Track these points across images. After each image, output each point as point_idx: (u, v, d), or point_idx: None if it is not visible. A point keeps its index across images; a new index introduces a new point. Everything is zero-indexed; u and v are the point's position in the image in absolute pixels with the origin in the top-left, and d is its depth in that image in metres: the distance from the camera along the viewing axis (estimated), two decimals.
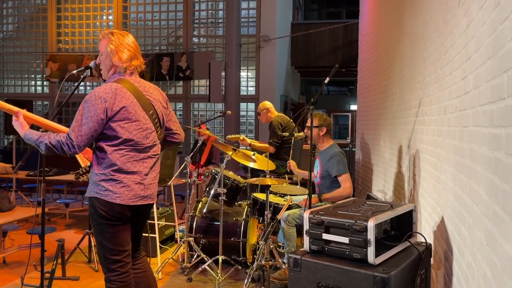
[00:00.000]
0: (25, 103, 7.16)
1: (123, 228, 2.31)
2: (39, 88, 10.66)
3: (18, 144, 7.84)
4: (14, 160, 6.77)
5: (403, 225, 2.23)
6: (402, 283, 1.88)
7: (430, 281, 2.24)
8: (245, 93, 9.70)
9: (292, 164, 4.05)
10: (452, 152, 2.09)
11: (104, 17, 10.15)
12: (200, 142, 4.30)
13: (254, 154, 3.81)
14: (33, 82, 10.68)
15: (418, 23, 3.09)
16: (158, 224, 4.27)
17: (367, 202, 2.36)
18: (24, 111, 2.38)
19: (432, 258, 2.29)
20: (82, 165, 2.93)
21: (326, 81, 3.12)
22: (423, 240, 2.19)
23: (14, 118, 2.35)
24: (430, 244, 2.22)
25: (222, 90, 8.38)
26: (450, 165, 2.14)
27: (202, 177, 5.16)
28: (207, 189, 4.06)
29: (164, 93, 2.55)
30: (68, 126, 2.27)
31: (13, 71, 10.67)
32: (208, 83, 8.43)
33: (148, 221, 3.09)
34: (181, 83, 9.93)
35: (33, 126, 2.41)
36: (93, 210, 2.28)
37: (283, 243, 3.72)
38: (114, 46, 2.32)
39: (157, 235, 4.09)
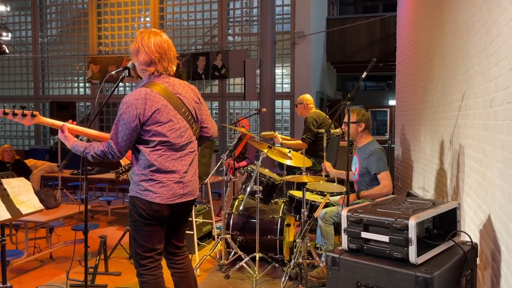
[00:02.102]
0: (68, 104, 7.45)
1: (158, 229, 2.36)
2: (81, 90, 11.06)
3: (63, 144, 8.16)
4: (59, 159, 7.04)
5: (447, 224, 2.15)
6: (446, 284, 1.81)
7: (476, 282, 2.14)
8: (280, 90, 9.66)
9: (327, 165, 3.99)
10: (500, 147, 1.99)
11: (142, 19, 10.39)
12: (236, 140, 4.31)
13: (290, 152, 3.78)
14: (76, 84, 11.09)
15: (460, 13, 2.96)
16: (196, 221, 4.33)
17: (407, 200, 2.29)
18: (68, 124, 2.44)
19: (478, 258, 2.20)
20: (122, 164, 3.01)
21: (363, 75, 3.05)
22: (468, 239, 2.10)
23: (59, 132, 2.43)
24: (476, 244, 2.13)
25: (257, 88, 8.38)
26: (497, 161, 2.04)
27: (238, 174, 5.18)
28: (243, 186, 4.07)
29: (195, 88, 2.51)
30: (109, 126, 2.33)
31: (57, 74, 11.12)
32: (243, 81, 8.46)
33: None
34: (216, 82, 10.03)
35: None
36: (132, 208, 2.34)
37: (321, 245, 3.67)
38: (135, 46, 2.34)
39: (195, 232, 4.15)
